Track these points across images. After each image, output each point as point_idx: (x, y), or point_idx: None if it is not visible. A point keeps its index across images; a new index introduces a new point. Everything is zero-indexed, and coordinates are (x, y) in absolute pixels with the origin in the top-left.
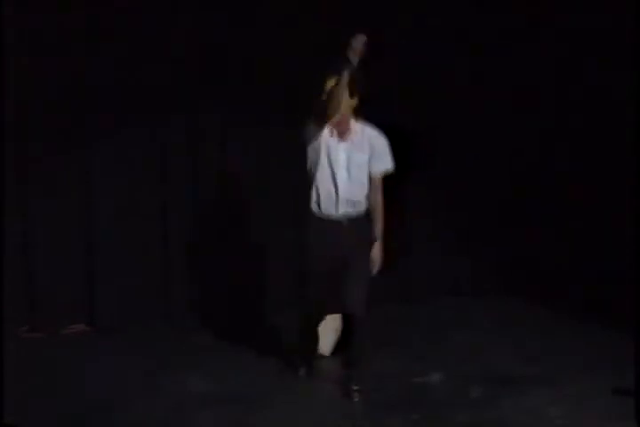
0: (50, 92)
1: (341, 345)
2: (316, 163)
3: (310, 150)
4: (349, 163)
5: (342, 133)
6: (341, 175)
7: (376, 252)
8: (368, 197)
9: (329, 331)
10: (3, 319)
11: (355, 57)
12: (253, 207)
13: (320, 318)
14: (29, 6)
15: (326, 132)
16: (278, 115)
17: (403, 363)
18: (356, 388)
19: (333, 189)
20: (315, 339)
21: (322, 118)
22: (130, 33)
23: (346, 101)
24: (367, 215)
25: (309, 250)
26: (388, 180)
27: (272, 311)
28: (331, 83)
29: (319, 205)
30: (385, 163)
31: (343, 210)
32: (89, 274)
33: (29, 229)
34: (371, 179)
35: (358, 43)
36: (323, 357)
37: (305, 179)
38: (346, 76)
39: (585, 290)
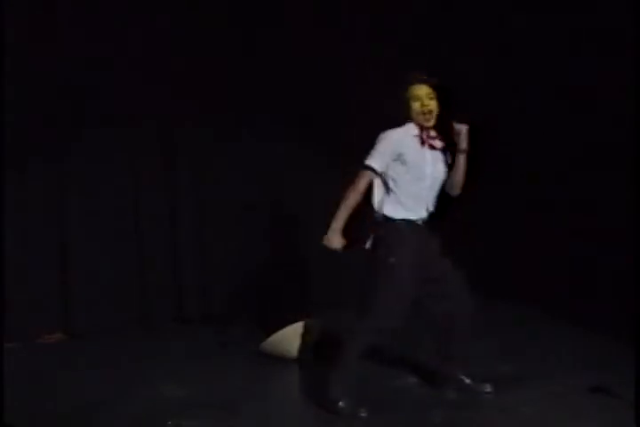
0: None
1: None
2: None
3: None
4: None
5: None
6: None
7: None
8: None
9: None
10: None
11: None
12: (228, 212)
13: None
14: None
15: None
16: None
17: (379, 365)
18: None
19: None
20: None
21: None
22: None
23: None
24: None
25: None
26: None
27: (248, 317)
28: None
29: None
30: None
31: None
32: (63, 282)
33: (2, 238)
34: None
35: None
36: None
37: None
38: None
39: (571, 293)
